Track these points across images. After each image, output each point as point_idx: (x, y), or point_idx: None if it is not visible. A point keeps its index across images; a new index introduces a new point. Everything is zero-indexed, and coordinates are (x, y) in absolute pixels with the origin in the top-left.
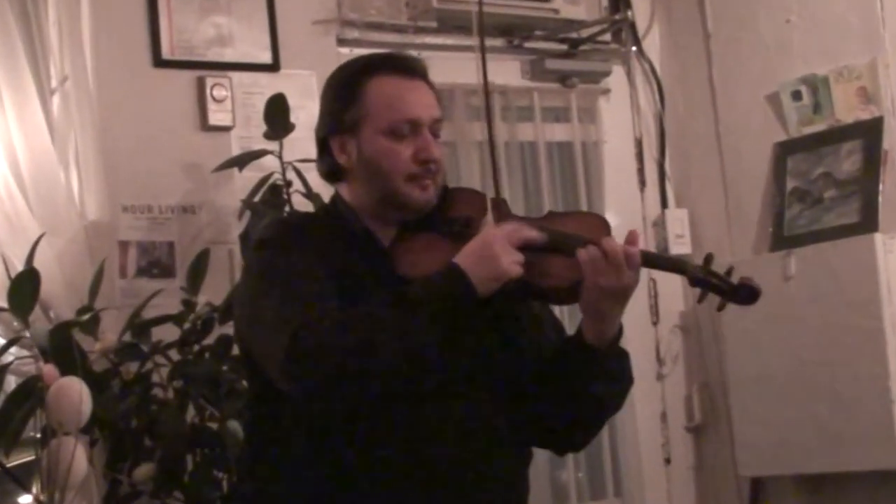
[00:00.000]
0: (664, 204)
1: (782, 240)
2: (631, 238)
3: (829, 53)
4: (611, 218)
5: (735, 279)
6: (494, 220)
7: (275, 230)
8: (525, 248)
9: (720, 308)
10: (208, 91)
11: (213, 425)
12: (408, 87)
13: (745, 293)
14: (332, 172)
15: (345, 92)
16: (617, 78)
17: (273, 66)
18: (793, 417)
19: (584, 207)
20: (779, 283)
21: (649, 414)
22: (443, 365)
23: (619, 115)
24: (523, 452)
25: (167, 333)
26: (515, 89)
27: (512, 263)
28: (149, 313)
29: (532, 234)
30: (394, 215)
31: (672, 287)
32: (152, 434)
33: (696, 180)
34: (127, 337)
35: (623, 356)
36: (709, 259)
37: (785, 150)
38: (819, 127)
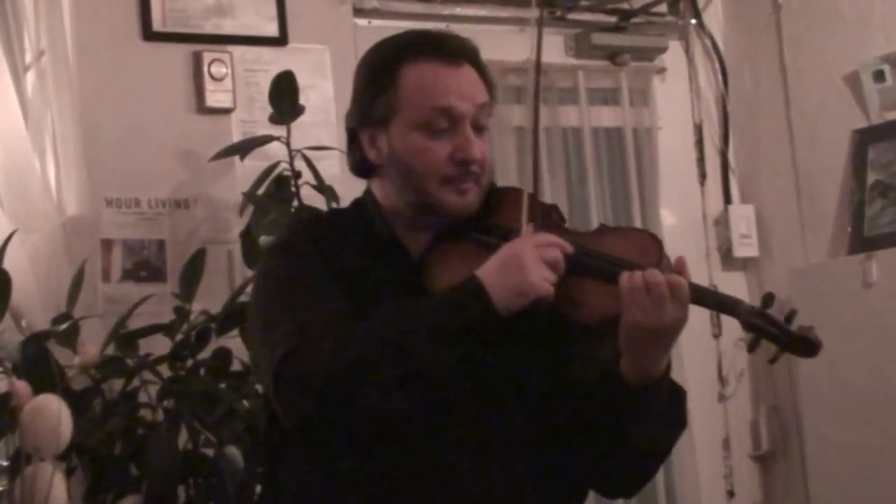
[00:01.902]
0: (727, 199)
1: (862, 241)
2: (678, 266)
3: None
4: (666, 215)
5: (795, 327)
6: (535, 229)
7: (290, 235)
8: (557, 266)
9: (773, 360)
10: (205, 68)
11: (209, 452)
12: (447, 74)
13: (804, 345)
14: (361, 167)
15: (375, 78)
16: (674, 55)
17: (280, 40)
18: (875, 445)
19: (636, 202)
20: (858, 291)
21: (710, 441)
22: (455, 392)
23: (675, 98)
24: (570, 493)
25: (157, 346)
26: (558, 68)
27: (542, 280)
28: (136, 323)
29: (567, 249)
30: (428, 221)
31: (735, 291)
32: (139, 462)
33: (764, 173)
34: (110, 350)
35: (673, 396)
36: (767, 300)
37: (865, 139)
38: None
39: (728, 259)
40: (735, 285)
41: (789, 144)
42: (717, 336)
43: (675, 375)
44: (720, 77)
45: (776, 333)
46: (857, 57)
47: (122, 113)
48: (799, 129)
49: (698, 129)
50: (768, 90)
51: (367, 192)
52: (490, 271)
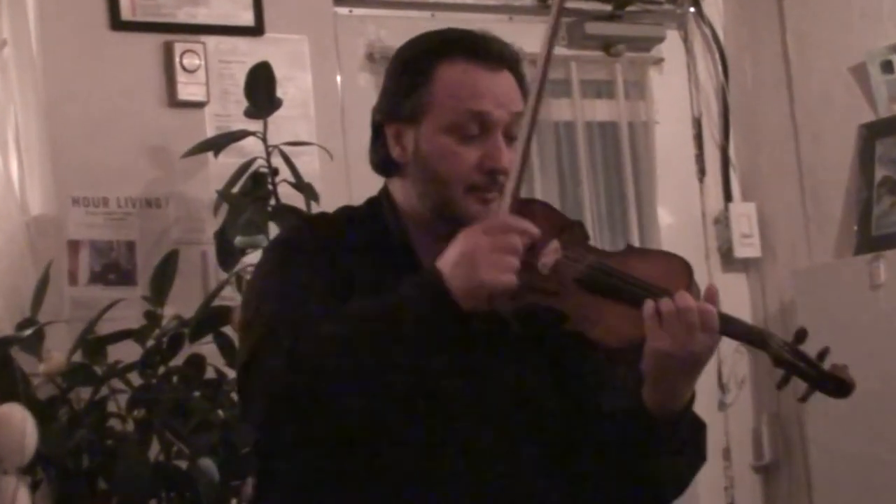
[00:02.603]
0: (728, 197)
1: (870, 240)
2: (709, 294)
3: None
4: (663, 214)
5: (827, 365)
6: (563, 248)
7: (292, 231)
8: (515, 249)
9: (803, 399)
10: (177, 59)
11: (182, 464)
12: (486, 78)
13: (837, 385)
14: (384, 165)
15: (409, 72)
16: (671, 45)
17: (256, 30)
18: (884, 456)
19: (631, 201)
20: (865, 293)
21: (710, 451)
22: (456, 408)
23: (673, 91)
24: None
25: (126, 353)
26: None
27: (497, 274)
28: (104, 328)
29: (528, 229)
30: (447, 228)
31: (737, 297)
32: (108, 475)
33: (766, 169)
34: (77, 357)
35: (695, 428)
36: (801, 336)
37: (873, 133)
38: None
39: (728, 260)
40: (736, 287)
41: (793, 139)
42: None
43: None
44: (720, 68)
45: (808, 372)
46: (864, 47)
47: (89, 107)
48: (803, 123)
49: (697, 124)
50: (771, 82)
51: (384, 192)
52: (447, 263)
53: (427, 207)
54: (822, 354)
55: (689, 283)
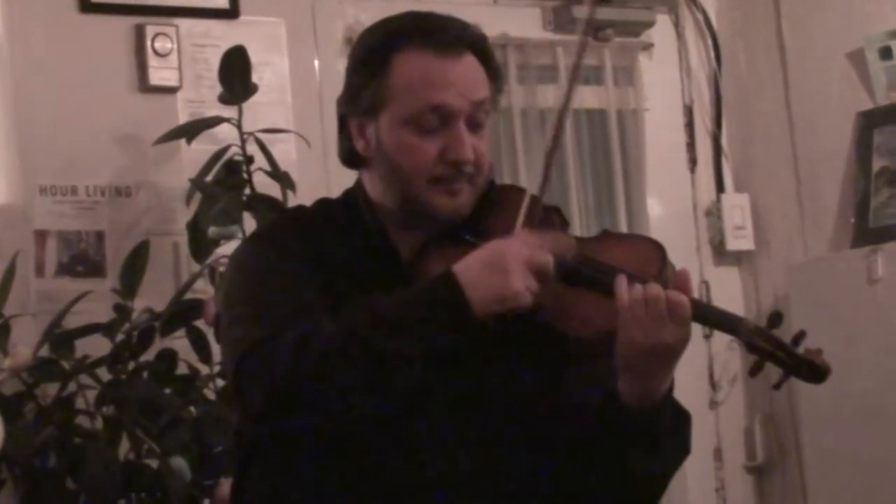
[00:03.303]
0: (720, 188)
1: (867, 233)
2: (680, 281)
3: None
4: (653, 205)
5: (802, 349)
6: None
7: (273, 225)
8: (545, 275)
9: (777, 386)
10: (149, 43)
11: (152, 463)
12: (442, 67)
13: (811, 371)
14: (350, 158)
15: (366, 63)
16: (662, 30)
17: (230, 12)
18: (880, 457)
19: (620, 191)
20: (863, 287)
21: (700, 451)
22: (435, 406)
23: (664, 77)
24: None
25: (95, 347)
26: (535, 43)
27: (524, 288)
28: (72, 322)
29: (567, 249)
30: (417, 222)
31: (729, 291)
32: (75, 474)
33: (760, 159)
34: (44, 351)
35: (677, 419)
36: (774, 320)
37: (871, 122)
38: None
39: (720, 252)
40: (728, 281)
41: (788, 128)
42: (707, 337)
43: None
44: (713, 54)
45: (782, 357)
46: (862, 32)
47: (57, 92)
48: (798, 111)
49: (688, 111)
50: (765, 68)
51: (359, 184)
52: (470, 268)
53: (393, 201)
54: (797, 339)
55: (662, 267)
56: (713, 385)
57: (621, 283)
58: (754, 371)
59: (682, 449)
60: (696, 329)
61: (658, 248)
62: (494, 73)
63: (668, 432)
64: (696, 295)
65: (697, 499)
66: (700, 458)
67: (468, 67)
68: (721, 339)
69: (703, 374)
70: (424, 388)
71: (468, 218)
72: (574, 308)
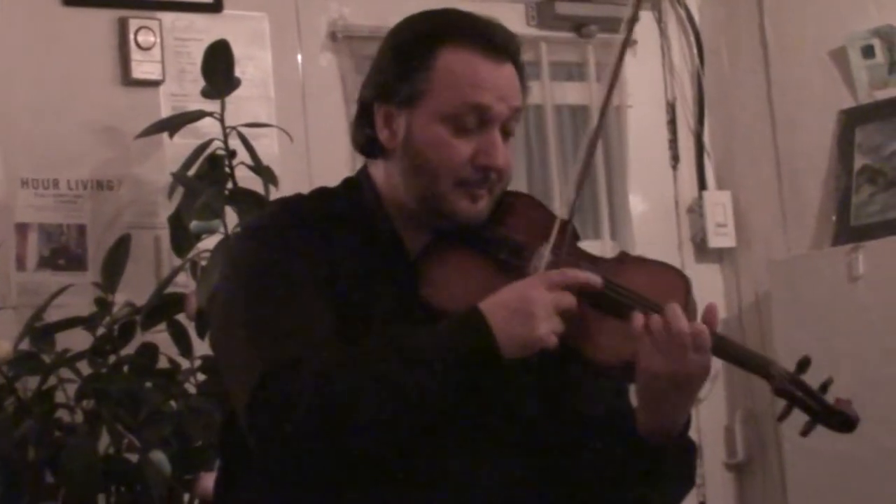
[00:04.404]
0: (702, 185)
1: (848, 231)
2: (708, 314)
3: None
4: (635, 202)
5: (831, 398)
6: (553, 255)
7: (272, 219)
8: (571, 314)
9: (805, 433)
10: (132, 36)
11: (132, 457)
12: (489, 69)
13: (840, 421)
14: (368, 146)
15: (408, 53)
16: (645, 27)
17: (214, 6)
18: (860, 455)
19: (602, 187)
20: (844, 285)
21: None
22: (450, 432)
23: (647, 74)
24: None
25: (76, 341)
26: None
27: (550, 332)
28: (53, 315)
29: (594, 285)
30: (431, 221)
31: (710, 288)
32: (55, 468)
33: (742, 156)
34: (25, 344)
35: (687, 452)
36: (803, 365)
37: (853, 120)
38: (895, 91)
39: (702, 250)
40: (710, 278)
41: (770, 126)
42: None
43: None
44: (695, 51)
45: (811, 405)
46: (844, 31)
47: (39, 85)
48: (780, 108)
49: (671, 108)
50: (747, 66)
51: (364, 174)
52: (497, 313)
53: (412, 196)
54: (825, 386)
55: (687, 299)
56: None
57: (638, 319)
58: (783, 416)
59: (688, 481)
60: None
61: (683, 279)
62: (525, 86)
63: (677, 465)
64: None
65: None
66: None
67: (510, 74)
68: None
69: None
70: (445, 420)
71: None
72: (595, 332)
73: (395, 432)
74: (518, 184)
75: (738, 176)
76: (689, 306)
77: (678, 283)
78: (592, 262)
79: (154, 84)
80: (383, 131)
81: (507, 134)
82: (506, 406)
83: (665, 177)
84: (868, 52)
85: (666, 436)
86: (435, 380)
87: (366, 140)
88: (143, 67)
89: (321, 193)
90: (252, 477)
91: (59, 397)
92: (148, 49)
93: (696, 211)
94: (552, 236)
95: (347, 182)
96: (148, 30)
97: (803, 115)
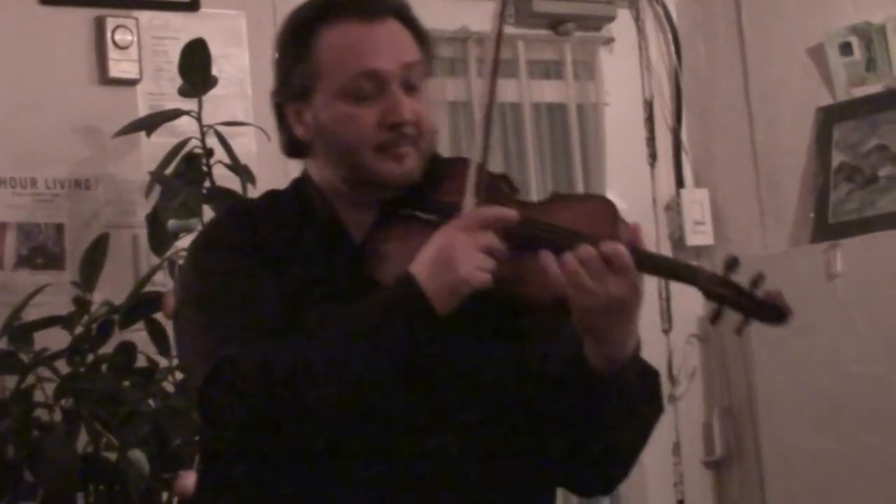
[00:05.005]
0: (680, 183)
1: (827, 228)
2: (631, 234)
3: None
4: (614, 200)
5: (761, 292)
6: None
7: (217, 226)
8: (495, 249)
9: (739, 331)
10: (109, 35)
11: (111, 456)
12: (368, 33)
13: (772, 312)
14: (292, 147)
15: (292, 46)
16: (622, 24)
17: (191, 5)
18: (838, 452)
19: (580, 185)
20: (821, 283)
21: (658, 445)
22: (403, 400)
23: (624, 72)
24: (538, 496)
25: (54, 340)
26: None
27: (475, 270)
28: (31, 314)
29: (509, 220)
30: (369, 195)
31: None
32: (34, 466)
33: (720, 154)
34: (3, 344)
35: (647, 377)
36: (731, 265)
37: (830, 117)
38: (873, 88)
39: (680, 247)
40: None
41: (747, 123)
42: (667, 331)
43: None
44: (673, 49)
45: (742, 302)
46: (822, 28)
47: (16, 84)
48: (758, 106)
49: (648, 106)
50: (725, 64)
51: (305, 173)
52: (423, 270)
53: (341, 178)
54: (756, 282)
55: (615, 224)
56: (672, 379)
57: (545, 257)
58: (714, 318)
59: (654, 407)
60: (655, 324)
61: (609, 205)
62: (422, 38)
63: (638, 392)
64: (655, 286)
65: (656, 493)
66: (658, 453)
67: (393, 31)
68: (680, 332)
69: (661, 369)
70: (398, 392)
71: (416, 191)
72: (526, 273)
73: (345, 410)
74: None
75: (715, 174)
76: (618, 230)
77: (605, 211)
78: (521, 205)
79: (131, 83)
80: (298, 128)
81: (412, 88)
82: (466, 374)
83: (642, 175)
84: (846, 49)
85: (616, 365)
86: (377, 350)
87: (289, 142)
88: (120, 66)
89: (269, 194)
90: (231, 474)
91: (38, 396)
92: (125, 48)
93: (674, 209)
94: (469, 182)
95: (295, 181)
96: (125, 28)
97: (781, 112)
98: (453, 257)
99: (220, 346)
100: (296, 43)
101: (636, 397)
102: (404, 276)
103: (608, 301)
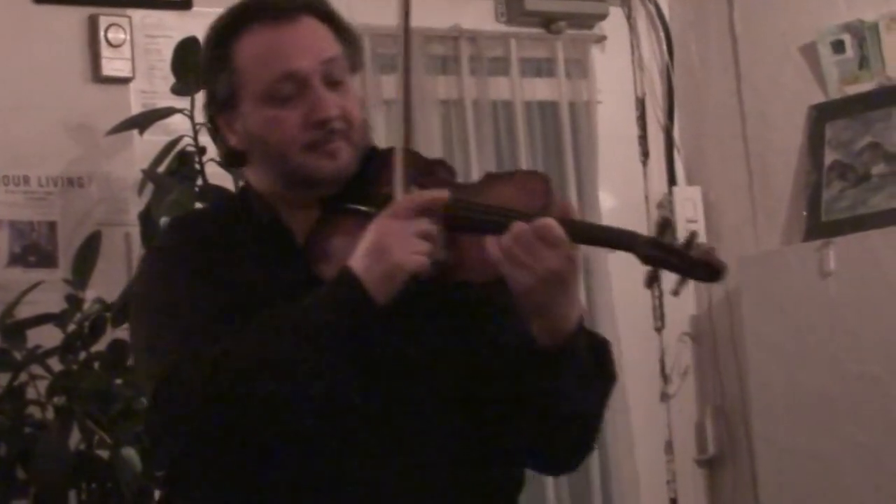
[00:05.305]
0: (672, 181)
1: (819, 226)
2: (564, 207)
3: None
4: (605, 198)
5: (695, 252)
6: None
7: (169, 237)
8: (429, 233)
9: (676, 292)
10: (102, 33)
11: (103, 453)
12: (281, 34)
13: (705, 270)
14: (230, 157)
15: (214, 58)
16: (614, 22)
17: (184, 3)
18: (831, 451)
19: (572, 183)
20: (814, 281)
21: (651, 444)
22: (351, 396)
23: (616, 70)
24: (502, 479)
25: (47, 337)
26: (488, 35)
27: (410, 255)
28: (24, 312)
29: (437, 203)
30: (308, 194)
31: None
32: (26, 464)
33: (712, 152)
34: None
35: (596, 348)
36: (663, 227)
37: (823, 115)
38: (866, 86)
39: None
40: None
41: (740, 121)
42: (659, 329)
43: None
44: (665, 47)
45: (675, 262)
46: (814, 26)
47: (9, 82)
48: (750, 104)
49: (641, 104)
50: (717, 61)
51: (246, 182)
52: (359, 262)
53: (278, 182)
54: (690, 242)
55: (548, 198)
56: (664, 378)
57: (480, 238)
58: (649, 282)
59: (606, 377)
60: (648, 322)
61: (542, 180)
62: (342, 31)
63: (589, 364)
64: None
65: (648, 492)
66: (651, 451)
67: (308, 29)
68: (673, 330)
69: (654, 367)
70: (349, 388)
71: (355, 185)
72: (470, 256)
73: (296, 407)
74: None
75: (708, 171)
76: (552, 205)
77: (537, 186)
78: (455, 187)
79: (124, 81)
80: (231, 138)
81: (335, 83)
82: (420, 362)
83: (635, 172)
84: (838, 47)
85: (562, 338)
86: (320, 345)
87: (227, 153)
88: (113, 64)
89: (216, 201)
90: (194, 495)
91: (30, 394)
92: (118, 46)
93: (666, 206)
94: (397, 171)
95: (239, 189)
96: (118, 27)
97: (773, 110)
98: (387, 245)
99: (169, 352)
100: (216, 54)
101: (587, 370)
102: (342, 270)
103: (545, 275)
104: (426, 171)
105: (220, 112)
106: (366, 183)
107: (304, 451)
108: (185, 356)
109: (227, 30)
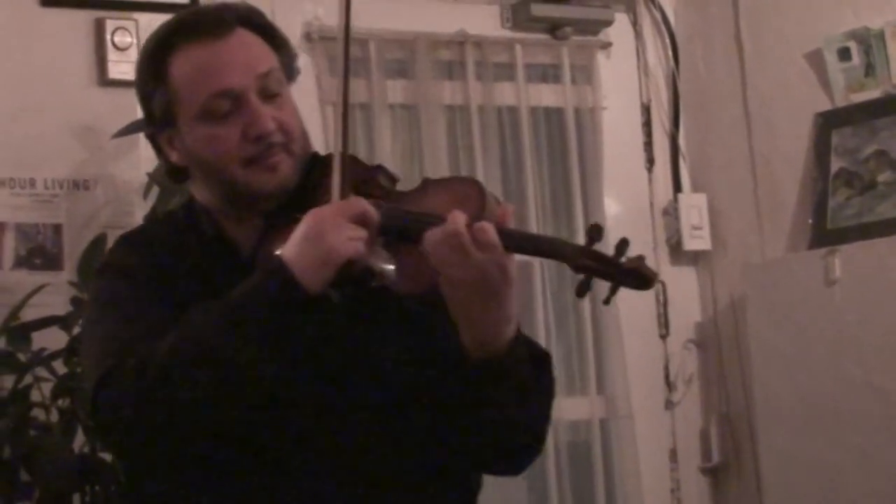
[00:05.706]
0: (677, 187)
1: (825, 234)
2: (501, 213)
3: (886, 1)
4: (610, 204)
5: (626, 260)
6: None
7: (115, 254)
8: (366, 219)
9: (607, 300)
10: (108, 36)
11: (107, 456)
12: (211, 52)
13: (635, 279)
14: (173, 173)
15: (147, 78)
16: (620, 28)
17: (190, 6)
18: (836, 459)
19: (577, 189)
20: (820, 289)
21: (655, 451)
22: (286, 389)
23: (621, 76)
24: (454, 481)
25: (52, 340)
26: (493, 41)
27: (346, 241)
28: (29, 314)
29: (368, 214)
30: (252, 208)
31: (685, 291)
32: (30, 466)
33: (718, 159)
34: (1, 343)
35: (534, 361)
36: (594, 234)
37: (829, 123)
38: (872, 94)
39: (677, 252)
40: (685, 281)
41: (745, 128)
42: (664, 337)
43: (618, 378)
44: (670, 53)
45: (606, 271)
46: (820, 33)
47: (16, 85)
48: (756, 111)
49: (646, 110)
50: (723, 68)
51: (190, 195)
52: (290, 250)
53: (220, 197)
54: (620, 248)
55: (482, 204)
56: (669, 385)
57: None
58: (581, 291)
59: (543, 391)
60: (653, 329)
61: (475, 186)
62: (276, 41)
63: (524, 378)
64: (652, 291)
65: (653, 500)
66: (655, 459)
67: (242, 43)
68: (678, 338)
69: (658, 375)
70: (285, 384)
71: (299, 194)
72: (403, 265)
73: (228, 399)
74: (493, 185)
75: (713, 178)
76: (485, 210)
77: (470, 192)
78: (393, 195)
79: (130, 84)
80: (172, 154)
81: (271, 96)
82: (364, 361)
83: (640, 179)
84: (844, 54)
85: (493, 350)
86: (246, 334)
87: (168, 169)
88: (119, 68)
89: (165, 216)
90: (146, 493)
91: (35, 396)
92: (124, 49)
93: (672, 213)
94: (334, 173)
95: (184, 204)
96: (124, 30)
97: (779, 117)
98: (322, 230)
99: (101, 361)
100: (150, 73)
101: (524, 382)
102: (273, 258)
103: (471, 280)
104: (365, 178)
105: (160, 130)
106: (309, 191)
107: (244, 459)
108: (119, 361)
109: (161, 48)
